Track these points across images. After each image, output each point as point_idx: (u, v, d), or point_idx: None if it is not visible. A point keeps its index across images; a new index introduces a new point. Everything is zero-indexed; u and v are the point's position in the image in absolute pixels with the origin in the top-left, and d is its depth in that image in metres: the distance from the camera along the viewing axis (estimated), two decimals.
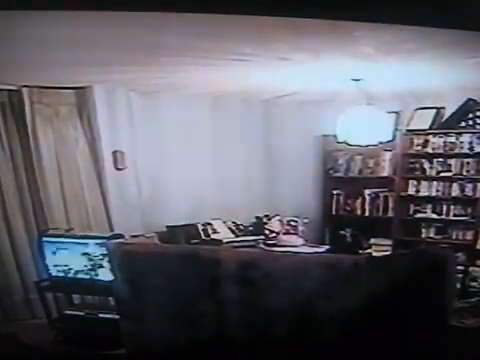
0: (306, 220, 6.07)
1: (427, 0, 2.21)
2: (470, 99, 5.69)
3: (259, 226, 5.98)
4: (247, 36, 3.17)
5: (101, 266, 4.16)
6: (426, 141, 6.00)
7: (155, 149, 5.74)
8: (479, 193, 5.72)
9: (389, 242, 6.11)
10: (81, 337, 4.06)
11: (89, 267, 4.29)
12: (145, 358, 2.88)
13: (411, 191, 6.13)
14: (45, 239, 4.45)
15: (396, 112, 6.11)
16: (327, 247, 5.76)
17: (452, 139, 5.84)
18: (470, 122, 5.77)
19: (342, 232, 6.53)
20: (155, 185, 5.76)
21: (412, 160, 6.12)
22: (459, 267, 4.45)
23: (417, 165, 6.09)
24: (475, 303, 3.52)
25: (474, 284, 4.53)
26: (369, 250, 6.08)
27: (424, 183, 6.07)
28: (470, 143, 5.74)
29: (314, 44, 3.43)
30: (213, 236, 5.71)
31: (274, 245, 5.65)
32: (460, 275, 4.59)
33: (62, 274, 4.39)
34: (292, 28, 2.89)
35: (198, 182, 6.00)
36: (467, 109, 5.74)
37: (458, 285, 4.36)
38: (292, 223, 5.98)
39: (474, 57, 3.78)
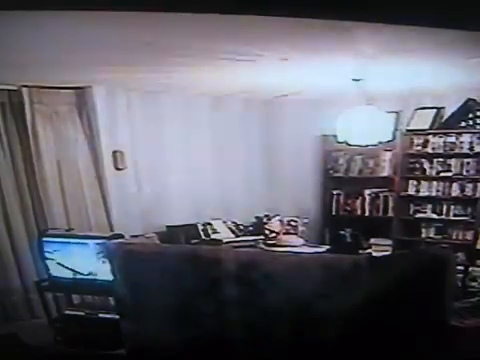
0: (306, 220, 6.08)
1: (427, 0, 2.21)
2: (470, 99, 5.69)
3: (259, 226, 5.99)
4: (247, 36, 3.17)
5: (101, 266, 4.15)
6: (426, 141, 6.00)
7: (155, 149, 5.74)
8: (479, 193, 5.72)
9: (389, 242, 6.11)
10: (81, 337, 4.06)
11: (89, 267, 4.30)
12: (145, 358, 2.87)
13: (411, 191, 6.13)
14: (45, 239, 4.45)
15: (396, 112, 6.11)
16: (327, 247, 5.75)
17: (452, 139, 5.84)
18: (470, 122, 5.77)
19: (342, 232, 6.52)
20: (155, 185, 5.76)
21: (412, 160, 6.12)
22: (459, 267, 4.45)
23: (417, 165, 6.09)
24: (475, 303, 3.51)
25: (474, 284, 4.53)
26: (369, 250, 6.07)
27: (424, 183, 6.07)
28: (470, 143, 5.74)
29: (314, 44, 3.43)
30: (213, 236, 5.71)
31: (274, 245, 5.65)
32: (460, 275, 4.59)
33: (62, 274, 4.39)
34: (292, 28, 2.89)
35: (198, 182, 6.00)
36: (467, 109, 5.74)
37: (458, 285, 4.36)
38: (292, 223, 5.98)
39: (474, 57, 3.78)
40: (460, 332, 2.91)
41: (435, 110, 5.94)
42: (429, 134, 5.97)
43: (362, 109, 4.88)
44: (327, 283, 2.45)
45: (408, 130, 6.06)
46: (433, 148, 5.96)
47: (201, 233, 5.73)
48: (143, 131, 5.64)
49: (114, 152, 5.38)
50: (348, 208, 6.64)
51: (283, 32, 3.01)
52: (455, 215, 5.93)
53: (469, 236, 5.74)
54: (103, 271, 4.05)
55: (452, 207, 5.94)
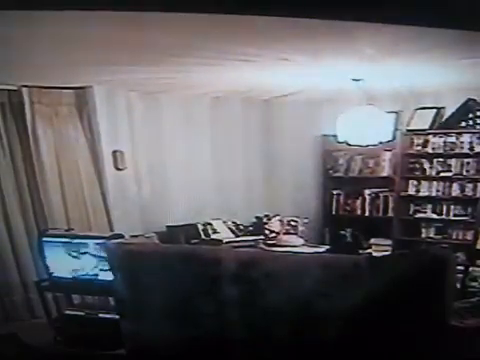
0: (306, 220, 6.07)
1: (427, 0, 2.21)
2: (470, 99, 5.69)
3: (259, 226, 5.98)
4: (247, 36, 3.17)
5: (101, 266, 4.16)
6: (426, 141, 6.00)
7: (155, 149, 5.74)
8: (479, 193, 5.72)
9: (389, 242, 6.11)
10: (81, 337, 4.06)
11: (89, 267, 4.30)
12: (145, 358, 2.87)
13: (411, 191, 6.13)
14: (45, 239, 4.45)
15: (396, 112, 6.11)
16: (327, 247, 5.76)
17: (452, 139, 5.84)
18: (470, 122, 5.77)
19: (342, 232, 6.53)
20: (155, 185, 5.76)
21: (412, 160, 6.12)
22: (459, 267, 4.46)
23: (417, 165, 6.09)
24: (475, 303, 3.51)
25: (474, 284, 4.54)
26: (369, 250, 6.08)
27: (424, 183, 6.07)
28: (470, 143, 5.74)
29: (314, 44, 3.43)
30: (213, 236, 5.71)
31: (274, 245, 5.65)
32: (460, 275, 4.59)
33: (62, 274, 4.39)
34: (292, 28, 2.89)
35: (198, 182, 6.00)
36: (467, 109, 5.74)
37: (458, 285, 4.36)
38: (292, 223, 5.98)
39: (473, 57, 3.78)
40: (460, 332, 2.91)
41: (435, 110, 5.94)
42: (429, 134, 5.96)
43: (362, 109, 4.89)
44: (327, 283, 2.45)
45: (408, 130, 6.06)
46: (433, 148, 5.96)
47: (201, 233, 5.73)
48: (143, 131, 5.64)
49: (114, 152, 5.38)
50: (348, 208, 6.64)
51: (283, 32, 3.01)
52: (455, 215, 5.93)
53: (469, 236, 5.74)
54: (103, 271, 4.06)
55: (452, 207, 5.94)
